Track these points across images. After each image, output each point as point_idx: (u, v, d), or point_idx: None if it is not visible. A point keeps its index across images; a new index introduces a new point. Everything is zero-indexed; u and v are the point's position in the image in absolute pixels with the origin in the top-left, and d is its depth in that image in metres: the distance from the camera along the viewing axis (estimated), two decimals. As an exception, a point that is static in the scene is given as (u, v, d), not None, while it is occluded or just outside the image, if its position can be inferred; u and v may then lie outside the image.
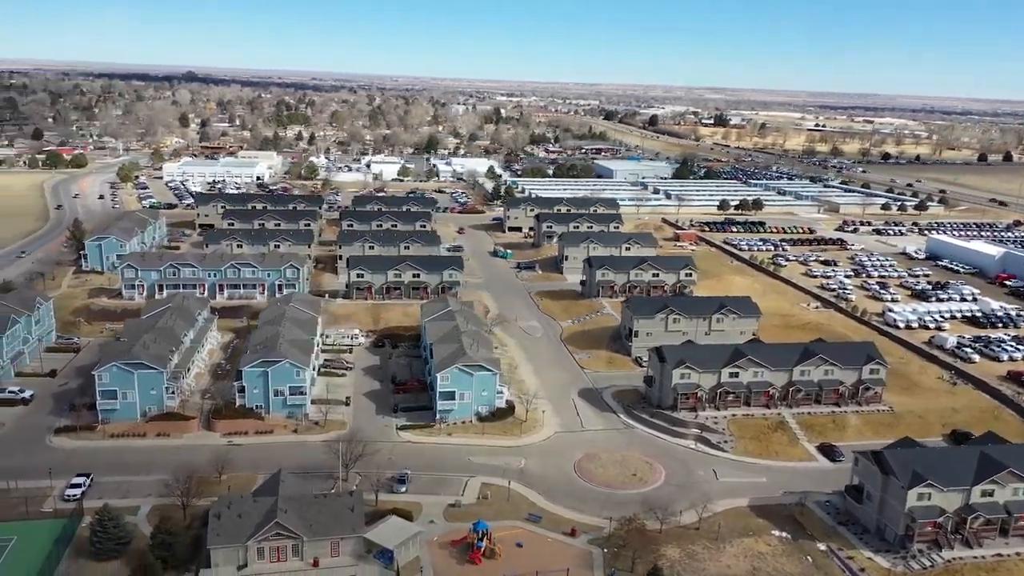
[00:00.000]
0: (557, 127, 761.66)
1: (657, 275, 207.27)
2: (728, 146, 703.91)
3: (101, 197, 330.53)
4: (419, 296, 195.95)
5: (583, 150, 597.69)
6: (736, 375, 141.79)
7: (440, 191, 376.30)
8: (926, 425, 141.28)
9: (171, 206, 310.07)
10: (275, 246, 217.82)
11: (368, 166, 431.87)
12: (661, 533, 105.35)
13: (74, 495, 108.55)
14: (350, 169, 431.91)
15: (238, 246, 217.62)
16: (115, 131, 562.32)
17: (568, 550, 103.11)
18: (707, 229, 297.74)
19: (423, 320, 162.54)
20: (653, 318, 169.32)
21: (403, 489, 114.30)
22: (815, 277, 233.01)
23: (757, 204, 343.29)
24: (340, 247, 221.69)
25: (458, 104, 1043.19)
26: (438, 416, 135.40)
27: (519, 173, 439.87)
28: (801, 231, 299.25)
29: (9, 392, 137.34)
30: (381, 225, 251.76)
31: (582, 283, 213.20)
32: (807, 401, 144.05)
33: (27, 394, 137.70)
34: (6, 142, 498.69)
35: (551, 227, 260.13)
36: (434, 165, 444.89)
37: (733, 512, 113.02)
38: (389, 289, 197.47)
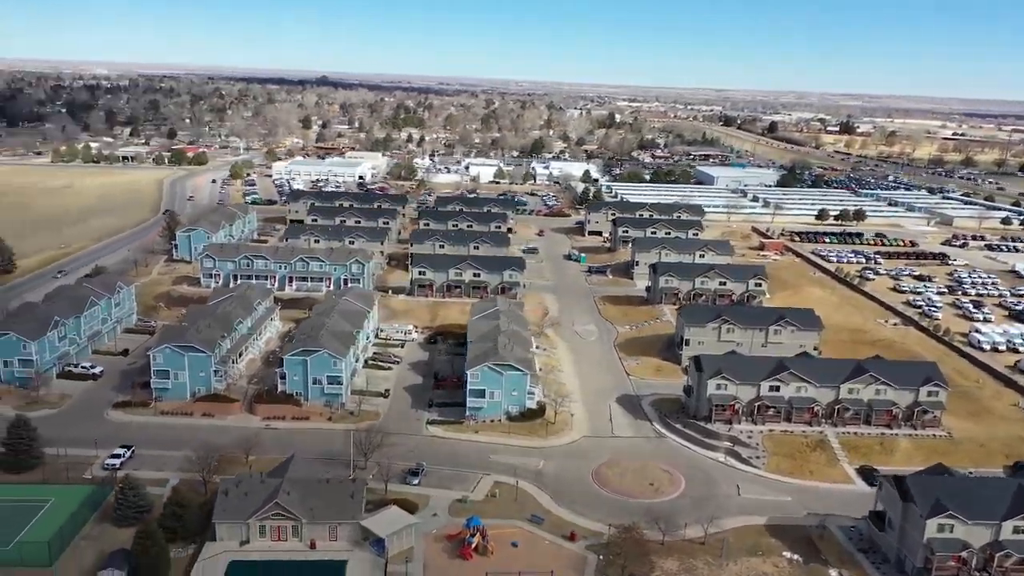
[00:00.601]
0: (670, 132, 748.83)
1: (724, 283, 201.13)
2: (849, 154, 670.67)
3: (214, 181, 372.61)
4: (479, 295, 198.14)
5: (691, 155, 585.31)
6: (777, 389, 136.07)
7: (532, 194, 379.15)
8: (987, 454, 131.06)
9: (271, 202, 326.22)
10: (350, 242, 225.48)
11: (467, 168, 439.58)
12: (663, 545, 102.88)
13: (112, 465, 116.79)
14: (448, 170, 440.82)
15: (315, 241, 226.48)
16: (241, 131, 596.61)
17: (563, 553, 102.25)
18: (797, 239, 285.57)
19: (471, 318, 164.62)
20: (705, 327, 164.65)
21: (415, 481, 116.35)
22: (903, 292, 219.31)
23: (859, 215, 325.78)
24: (411, 244, 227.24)
25: (573, 109, 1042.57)
26: (468, 413, 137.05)
27: (616, 178, 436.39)
28: (901, 244, 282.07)
29: (82, 368, 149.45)
30: (456, 225, 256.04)
31: (647, 289, 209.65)
32: (855, 421, 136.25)
33: (97, 370, 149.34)
34: (143, 140, 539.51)
35: (627, 232, 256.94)
36: (533, 168, 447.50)
37: (746, 530, 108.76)
38: (450, 287, 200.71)
